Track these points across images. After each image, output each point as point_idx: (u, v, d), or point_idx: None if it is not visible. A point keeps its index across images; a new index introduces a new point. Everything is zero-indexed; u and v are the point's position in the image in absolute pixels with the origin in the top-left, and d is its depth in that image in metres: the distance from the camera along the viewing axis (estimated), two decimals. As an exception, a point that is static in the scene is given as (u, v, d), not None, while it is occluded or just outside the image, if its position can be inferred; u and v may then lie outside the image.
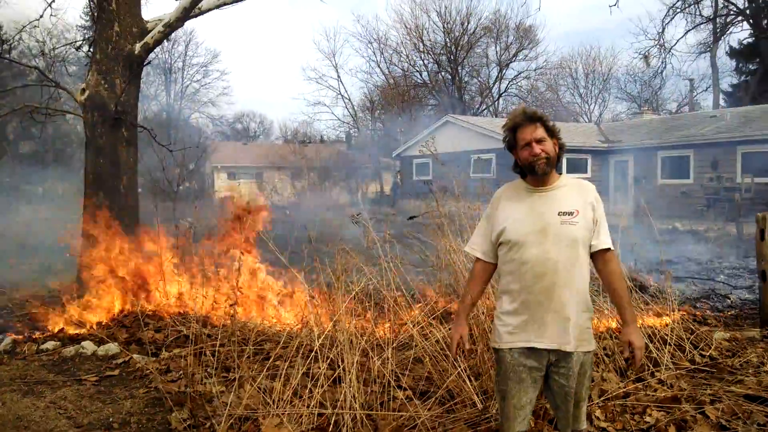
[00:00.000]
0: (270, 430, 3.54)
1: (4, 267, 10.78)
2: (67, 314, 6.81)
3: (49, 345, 6.01)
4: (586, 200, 2.86)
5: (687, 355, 5.04)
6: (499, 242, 2.91)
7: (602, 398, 4.16)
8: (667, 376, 4.55)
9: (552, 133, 2.87)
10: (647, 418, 3.96)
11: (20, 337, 6.40)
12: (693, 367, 4.82)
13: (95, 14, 9.39)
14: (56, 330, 6.61)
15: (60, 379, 5.13)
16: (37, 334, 6.55)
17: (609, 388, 4.29)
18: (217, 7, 9.22)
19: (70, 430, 4.13)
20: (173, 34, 10.61)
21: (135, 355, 5.57)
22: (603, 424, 3.90)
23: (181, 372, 4.88)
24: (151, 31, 8.73)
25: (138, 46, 8.59)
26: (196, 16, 9.05)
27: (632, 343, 2.80)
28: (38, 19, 11.87)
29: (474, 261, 3.08)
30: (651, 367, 4.72)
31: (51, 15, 12.76)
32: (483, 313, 4.71)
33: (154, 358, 5.43)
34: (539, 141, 2.82)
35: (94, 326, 6.70)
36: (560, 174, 2.95)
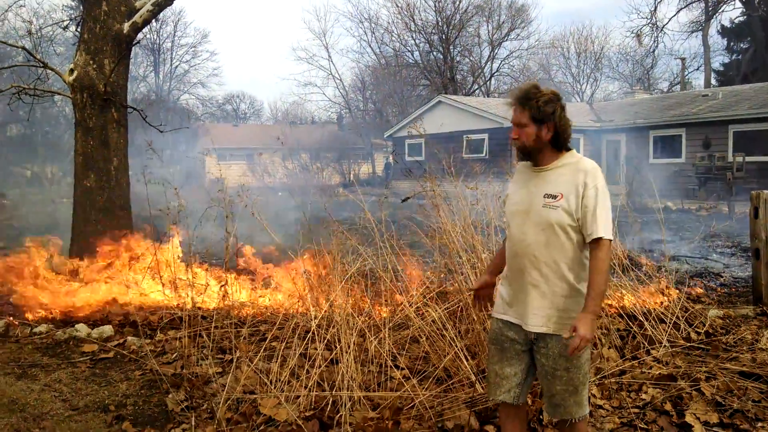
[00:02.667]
0: (268, 411, 3.53)
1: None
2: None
3: (42, 328, 5.96)
4: (575, 183, 2.76)
5: (682, 332, 5.07)
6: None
7: (599, 376, 4.18)
8: (663, 354, 4.58)
9: (538, 118, 2.76)
10: (643, 396, 3.99)
11: (12, 320, 6.35)
12: (688, 344, 4.84)
13: (83, -8, 9.23)
14: (48, 314, 6.55)
15: (54, 362, 5.10)
16: (30, 317, 6.50)
17: (605, 366, 4.30)
18: (207, -15, 9.06)
19: (66, 412, 4.10)
20: (162, 14, 10.45)
21: (129, 338, 5.53)
22: (600, 402, 3.92)
23: (176, 354, 4.86)
24: (139, 9, 8.58)
25: (127, 26, 8.45)
26: (185, -6, 8.90)
27: (577, 328, 2.61)
28: (24, -1, 11.66)
29: None
30: (647, 345, 4.75)
31: (37, -6, 12.54)
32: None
33: (149, 340, 5.41)
34: (518, 125, 2.80)
35: (88, 309, 6.65)
36: (564, 152, 2.85)
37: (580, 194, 2.74)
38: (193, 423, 3.55)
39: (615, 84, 49.53)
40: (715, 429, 3.72)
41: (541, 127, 2.78)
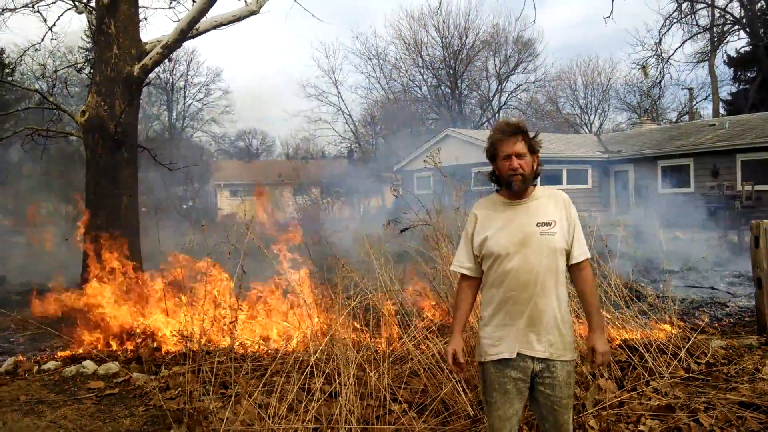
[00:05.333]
0: (265, 444, 3.58)
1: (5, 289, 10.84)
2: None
3: (51, 365, 6.06)
4: (561, 211, 2.93)
5: (683, 363, 5.06)
6: (482, 255, 2.95)
7: (597, 407, 4.18)
8: (662, 385, 4.57)
9: (533, 148, 2.93)
10: (641, 427, 3.98)
11: (22, 358, 6.46)
12: (688, 375, 4.84)
13: (95, 37, 9.54)
14: (59, 354, 6.63)
15: (60, 399, 5.17)
16: (39, 356, 6.61)
17: (604, 397, 4.31)
18: (214, 27, 9.36)
19: (70, 448, 4.17)
20: (174, 54, 10.72)
21: (135, 374, 5.61)
22: (597, 434, 3.92)
23: (179, 389, 4.92)
24: (149, 52, 8.86)
25: (137, 68, 8.71)
26: (193, 37, 9.19)
27: (596, 348, 2.91)
28: (39, 43, 12.05)
29: (459, 279, 3.11)
30: (647, 376, 4.75)
31: (52, 38, 12.96)
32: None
33: (154, 376, 5.47)
34: (519, 155, 2.88)
35: (97, 345, 6.74)
36: (535, 185, 3.01)
37: (570, 221, 2.93)
38: (192, 458, 3.60)
39: (623, 115, 49.71)
40: (713, 460, 3.71)
41: (533, 158, 2.94)
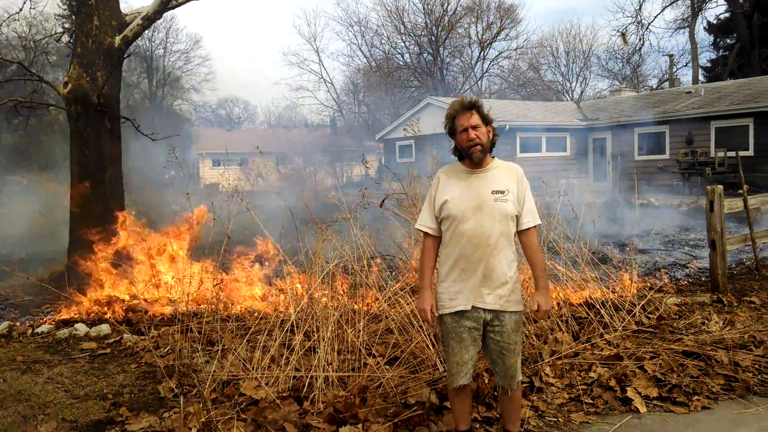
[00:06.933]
0: (248, 391, 3.94)
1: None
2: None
3: (44, 328, 6.35)
4: (515, 181, 3.28)
5: (635, 318, 5.47)
6: (441, 217, 3.29)
7: (553, 357, 4.58)
8: (614, 337, 4.99)
9: (486, 120, 3.26)
10: (591, 374, 4.39)
11: (15, 322, 6.74)
12: (638, 328, 5.26)
13: (75, 8, 9.61)
14: (55, 317, 6.92)
15: (56, 359, 5.49)
16: (32, 320, 6.90)
17: (560, 348, 4.71)
18: (194, -2, 9.46)
19: (68, 401, 4.50)
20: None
21: (126, 335, 5.92)
22: (551, 380, 4.32)
23: (169, 348, 5.25)
24: (130, 23, 8.97)
25: (118, 39, 8.83)
26: (173, 7, 9.29)
27: (539, 305, 3.26)
28: (18, 13, 12.02)
29: (423, 238, 3.46)
30: (601, 330, 5.15)
31: (31, 8, 12.92)
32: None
33: (144, 336, 5.79)
34: (474, 127, 3.22)
35: (88, 309, 7.04)
36: (493, 157, 3.34)
37: (521, 190, 3.29)
38: (182, 406, 3.94)
39: (605, 82, 50.04)
40: (654, 402, 4.14)
41: (488, 129, 3.26)
